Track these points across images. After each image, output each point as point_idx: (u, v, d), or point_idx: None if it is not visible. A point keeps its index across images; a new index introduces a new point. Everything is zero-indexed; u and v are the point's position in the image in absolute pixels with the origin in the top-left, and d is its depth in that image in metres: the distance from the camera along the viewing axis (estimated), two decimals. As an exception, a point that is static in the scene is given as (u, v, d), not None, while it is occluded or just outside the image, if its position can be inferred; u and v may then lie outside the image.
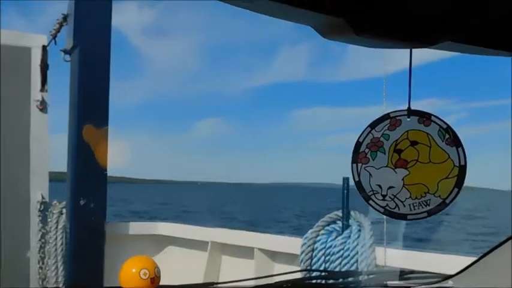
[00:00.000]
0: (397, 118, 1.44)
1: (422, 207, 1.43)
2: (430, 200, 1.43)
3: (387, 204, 1.45)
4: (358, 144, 1.46)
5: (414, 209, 1.44)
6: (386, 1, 0.57)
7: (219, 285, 2.23)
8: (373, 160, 1.45)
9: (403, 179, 1.43)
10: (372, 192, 1.45)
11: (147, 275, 3.14)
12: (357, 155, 1.45)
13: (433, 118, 1.43)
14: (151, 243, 6.43)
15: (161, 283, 1.91)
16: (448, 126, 1.41)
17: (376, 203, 1.46)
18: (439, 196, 1.42)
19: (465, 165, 1.41)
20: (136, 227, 6.55)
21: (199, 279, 5.73)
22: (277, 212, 51.31)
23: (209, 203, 65.14)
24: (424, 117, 1.43)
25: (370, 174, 1.45)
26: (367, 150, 1.45)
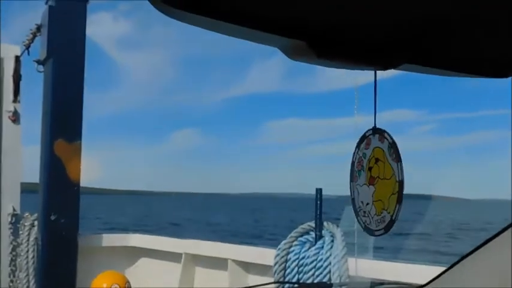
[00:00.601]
0: (369, 137, 1.48)
1: (381, 224, 1.46)
2: (384, 216, 1.45)
3: (365, 221, 1.49)
4: (352, 164, 1.54)
5: (378, 225, 1.46)
6: (346, 26, 0.60)
7: None
8: (359, 178, 1.51)
9: (372, 196, 1.47)
10: (359, 209, 1.51)
11: (118, 291, 3.11)
12: (352, 174, 1.53)
13: (385, 135, 1.45)
14: (124, 255, 6.39)
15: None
16: (394, 142, 1.44)
17: (361, 219, 1.51)
18: (389, 213, 1.44)
19: (403, 181, 1.42)
20: (109, 239, 6.50)
21: (173, 291, 5.71)
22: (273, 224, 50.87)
23: (196, 213, 64.58)
24: (381, 134, 1.47)
25: (358, 192, 1.51)
26: (356, 169, 1.53)
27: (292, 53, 0.62)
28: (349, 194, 1.56)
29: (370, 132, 1.49)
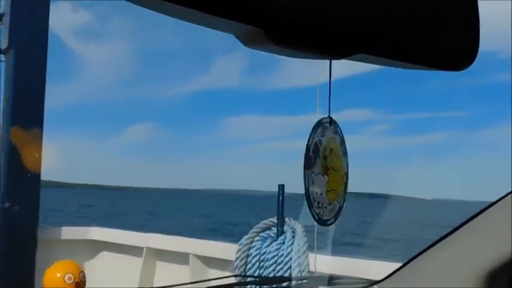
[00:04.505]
0: (325, 125, 1.49)
1: (332, 213, 1.49)
2: (335, 205, 1.49)
3: (319, 212, 1.48)
4: (307, 148, 1.45)
5: (329, 215, 1.48)
6: (303, 13, 0.60)
7: None
8: (315, 165, 1.46)
9: (325, 185, 1.48)
10: (313, 200, 1.47)
11: (72, 280, 3.08)
12: (307, 160, 1.45)
13: (338, 128, 1.51)
14: (85, 248, 6.31)
15: (93, 288, 1.87)
16: (343, 137, 1.53)
17: (314, 210, 1.48)
18: (339, 202, 1.49)
19: (348, 173, 1.53)
20: (69, 232, 6.42)
21: (133, 285, 5.66)
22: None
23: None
24: (335, 126, 1.51)
25: (313, 181, 1.46)
26: (312, 155, 1.46)
27: (248, 40, 0.61)
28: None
29: (327, 120, 1.49)
